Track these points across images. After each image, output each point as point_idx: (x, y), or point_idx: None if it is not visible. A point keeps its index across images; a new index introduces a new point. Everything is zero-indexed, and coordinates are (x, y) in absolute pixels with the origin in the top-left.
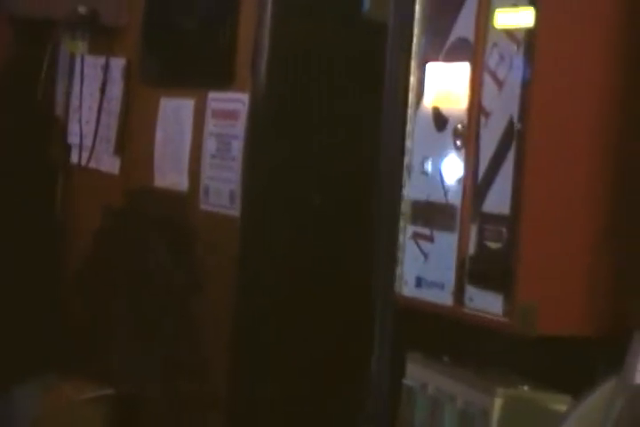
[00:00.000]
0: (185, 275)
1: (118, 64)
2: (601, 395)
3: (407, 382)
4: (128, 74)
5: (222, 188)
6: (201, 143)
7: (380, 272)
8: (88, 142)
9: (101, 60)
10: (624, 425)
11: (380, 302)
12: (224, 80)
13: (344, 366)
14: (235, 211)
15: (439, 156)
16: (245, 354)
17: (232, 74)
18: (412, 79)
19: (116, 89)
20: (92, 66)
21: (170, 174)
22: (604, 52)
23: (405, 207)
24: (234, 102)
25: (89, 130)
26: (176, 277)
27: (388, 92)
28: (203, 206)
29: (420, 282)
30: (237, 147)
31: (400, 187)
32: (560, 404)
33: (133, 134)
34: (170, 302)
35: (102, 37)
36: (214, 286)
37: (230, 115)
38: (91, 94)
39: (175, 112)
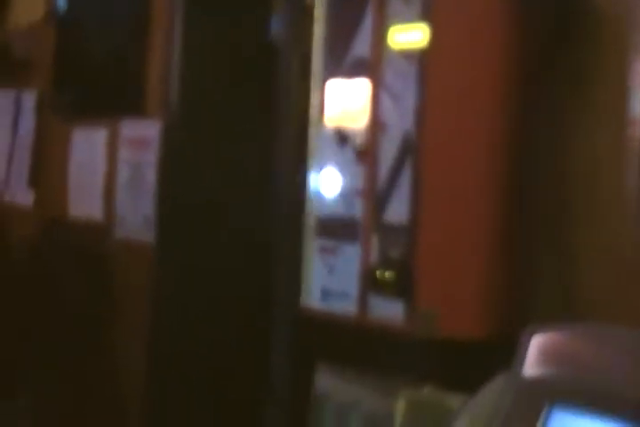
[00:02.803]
0: (101, 303)
1: (30, 97)
2: (492, 390)
3: (315, 391)
4: (40, 106)
5: (136, 215)
6: (114, 172)
7: (283, 285)
8: (1, 175)
9: (12, 94)
10: (514, 418)
11: (281, 313)
12: (136, 108)
13: (254, 379)
14: (149, 237)
15: (342, 171)
16: (159, 381)
17: (143, 102)
18: (314, 98)
19: (28, 122)
20: (2, 99)
21: (84, 204)
22: (495, 67)
23: (310, 221)
24: (146, 130)
25: (1, 163)
26: (91, 305)
27: (283, 112)
28: (117, 234)
29: (325, 293)
30: (151, 174)
31: (302, 202)
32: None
33: (47, 166)
34: (85, 330)
35: (12, 70)
36: (130, 312)
37: (143, 142)
38: (2, 127)
39: (88, 142)
